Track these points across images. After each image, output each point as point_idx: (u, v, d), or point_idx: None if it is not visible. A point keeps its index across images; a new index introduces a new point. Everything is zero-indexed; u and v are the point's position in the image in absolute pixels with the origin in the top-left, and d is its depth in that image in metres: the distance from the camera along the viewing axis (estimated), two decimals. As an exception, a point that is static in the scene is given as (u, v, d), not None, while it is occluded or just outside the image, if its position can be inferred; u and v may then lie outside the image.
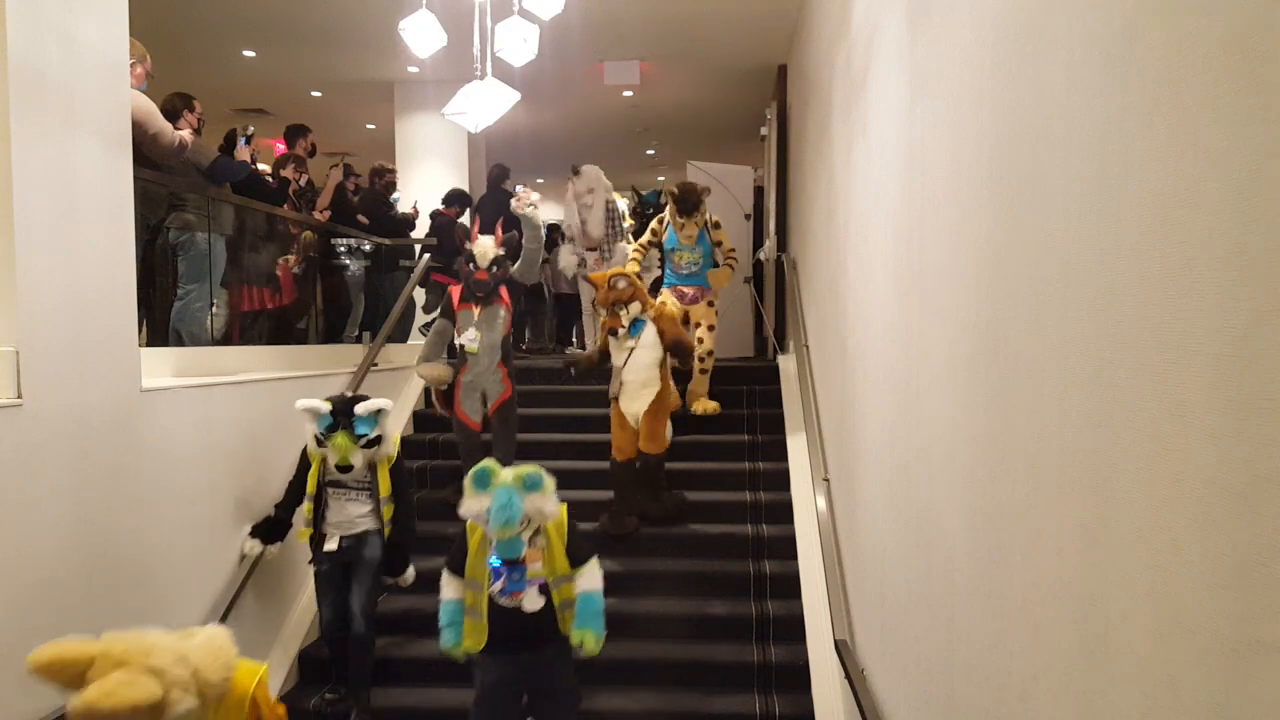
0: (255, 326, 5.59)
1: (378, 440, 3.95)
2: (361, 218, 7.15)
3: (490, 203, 8.00)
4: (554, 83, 8.09)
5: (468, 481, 3.11)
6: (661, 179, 13.62)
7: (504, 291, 4.82)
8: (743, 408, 5.81)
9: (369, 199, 7.50)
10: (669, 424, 4.96)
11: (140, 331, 3.94)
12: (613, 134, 11.12)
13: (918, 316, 2.45)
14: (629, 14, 6.77)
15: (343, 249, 6.88)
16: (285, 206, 5.97)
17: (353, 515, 4.03)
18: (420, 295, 7.45)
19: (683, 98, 9.38)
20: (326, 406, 3.89)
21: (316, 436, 3.91)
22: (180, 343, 4.57)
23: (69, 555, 2.98)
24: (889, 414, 2.87)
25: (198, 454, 3.79)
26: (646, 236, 5.80)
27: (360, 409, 3.88)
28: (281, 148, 6.76)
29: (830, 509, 4.18)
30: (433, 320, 7.51)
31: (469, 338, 4.71)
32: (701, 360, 5.46)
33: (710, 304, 5.65)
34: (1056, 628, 1.46)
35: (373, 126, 10.73)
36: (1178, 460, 1.09)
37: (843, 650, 3.41)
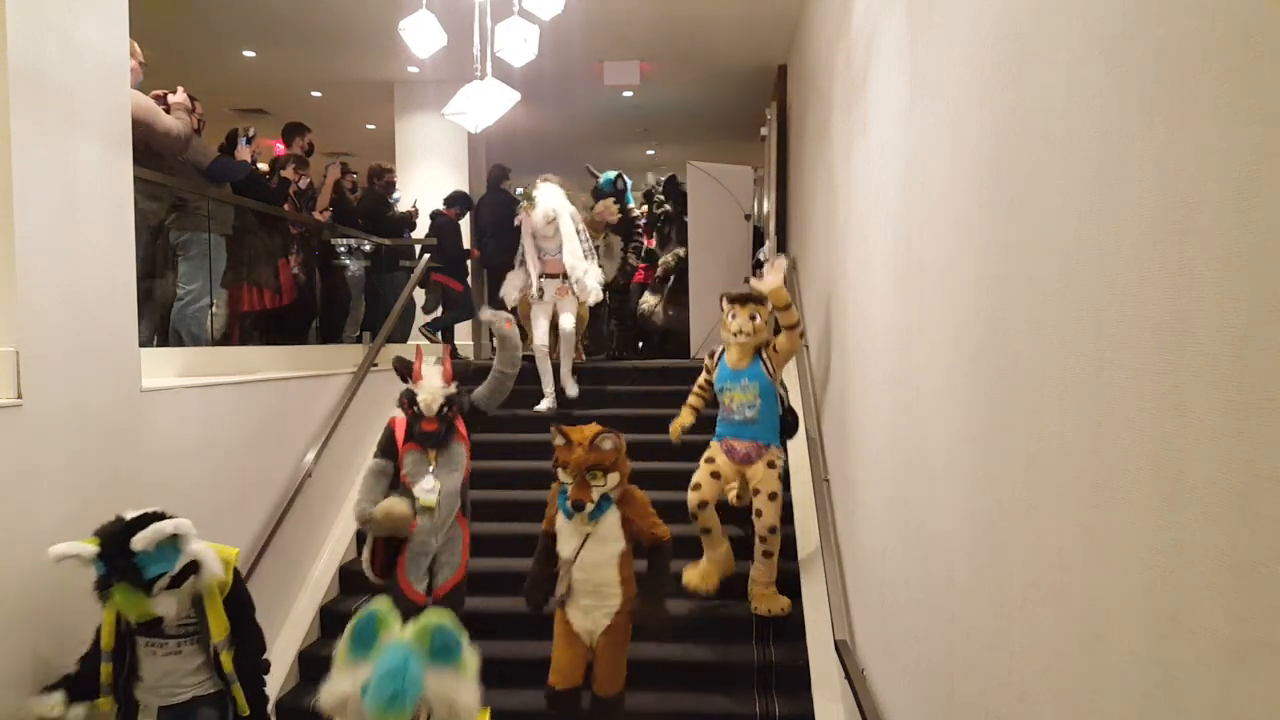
0: (256, 326, 5.59)
1: (191, 570, 2.67)
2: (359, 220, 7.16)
3: (489, 203, 7.99)
4: (554, 83, 8.09)
5: (342, 641, 2.19)
6: (662, 178, 13.60)
7: (460, 425, 3.89)
8: (743, 408, 5.81)
9: (368, 199, 7.50)
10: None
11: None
12: (613, 134, 11.11)
13: (918, 316, 2.45)
14: (629, 14, 6.77)
15: (343, 249, 6.88)
16: (285, 206, 5.97)
17: (176, 676, 2.81)
18: (420, 295, 7.45)
19: (683, 98, 9.38)
20: (92, 549, 2.59)
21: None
22: (180, 343, 4.57)
23: (69, 555, 2.98)
24: (889, 414, 2.87)
25: (198, 454, 3.78)
26: (702, 376, 4.61)
27: (139, 543, 2.54)
28: (282, 148, 6.76)
29: (830, 509, 4.18)
30: (434, 319, 7.54)
31: (425, 489, 3.68)
32: (763, 540, 4.13)
33: (772, 464, 4.22)
34: (1056, 628, 1.46)
35: (373, 126, 10.73)
36: (1178, 460, 1.09)
37: (843, 650, 3.41)
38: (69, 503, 2.98)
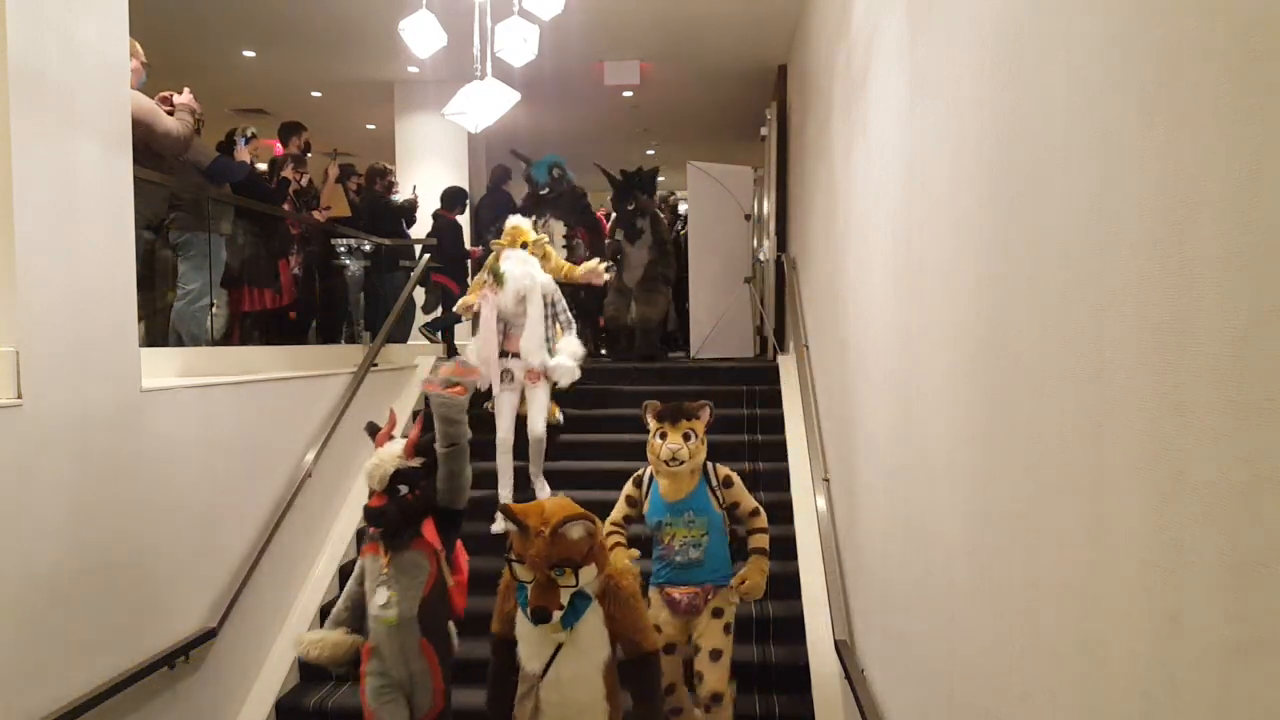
0: (256, 326, 5.59)
1: None
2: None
3: (490, 203, 8.00)
4: (554, 83, 8.08)
5: None
6: (661, 179, 13.58)
7: (428, 528, 2.95)
8: (743, 408, 5.81)
9: (368, 199, 7.51)
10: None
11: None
12: (613, 134, 11.12)
13: (918, 316, 2.45)
14: (629, 14, 6.77)
15: (343, 249, 6.88)
16: (285, 206, 5.97)
17: None
18: (420, 295, 7.45)
19: (683, 98, 9.38)
20: None
21: None
22: (180, 343, 4.57)
23: (69, 555, 2.98)
24: (889, 414, 2.87)
25: (198, 454, 3.78)
26: (622, 506, 3.54)
27: None
28: (279, 148, 6.76)
29: (830, 509, 4.18)
30: (434, 319, 7.54)
31: (379, 603, 2.90)
32: (707, 708, 3.27)
33: (718, 612, 3.38)
34: (1056, 628, 1.46)
35: (373, 126, 10.73)
36: (1178, 460, 1.09)
37: (843, 650, 3.41)
38: (69, 503, 2.99)
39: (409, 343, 7.11)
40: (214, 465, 3.90)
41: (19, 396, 2.77)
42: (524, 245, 5.05)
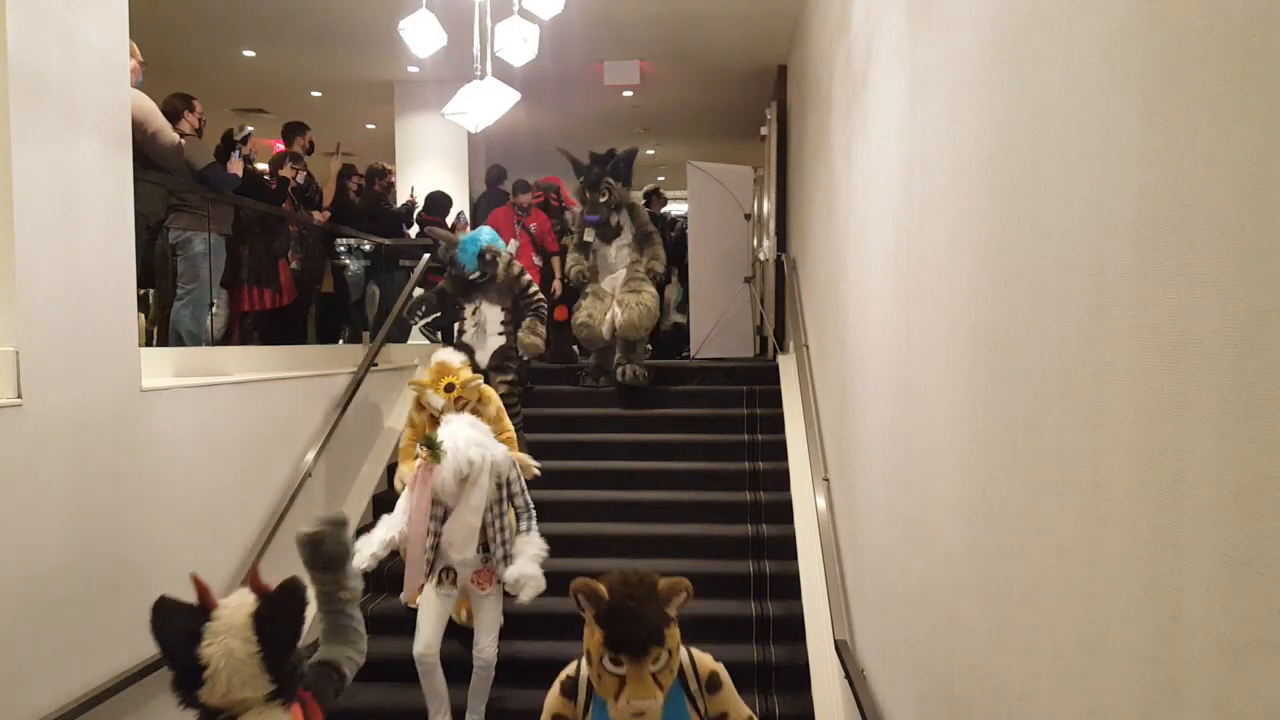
0: (256, 326, 5.59)
1: None
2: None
3: (487, 203, 8.03)
4: (554, 83, 8.08)
5: None
6: (661, 179, 13.60)
7: (305, 710, 2.10)
8: (743, 408, 5.81)
9: (368, 200, 7.52)
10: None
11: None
12: (613, 134, 11.11)
13: (918, 316, 2.45)
14: (629, 14, 6.77)
15: (343, 249, 6.88)
16: (285, 205, 5.96)
17: None
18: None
19: (683, 98, 9.39)
20: None
21: None
22: (180, 343, 4.57)
23: (69, 555, 2.98)
24: (889, 414, 2.87)
25: (198, 454, 3.78)
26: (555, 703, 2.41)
27: None
28: (281, 147, 6.76)
29: (830, 509, 4.18)
30: (434, 320, 7.53)
31: None
32: None
33: None
34: (1056, 628, 1.46)
35: (373, 126, 10.73)
36: (1178, 460, 1.09)
37: (843, 650, 3.41)
38: (69, 503, 2.98)
39: (409, 342, 7.11)
40: (214, 465, 3.90)
41: (19, 396, 2.77)
42: (449, 387, 4.11)
